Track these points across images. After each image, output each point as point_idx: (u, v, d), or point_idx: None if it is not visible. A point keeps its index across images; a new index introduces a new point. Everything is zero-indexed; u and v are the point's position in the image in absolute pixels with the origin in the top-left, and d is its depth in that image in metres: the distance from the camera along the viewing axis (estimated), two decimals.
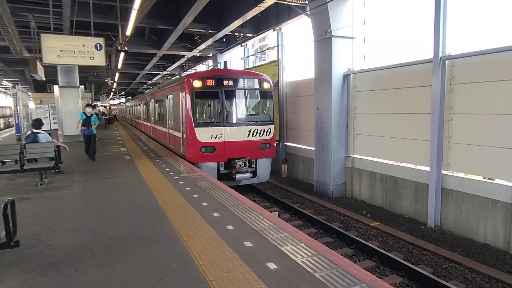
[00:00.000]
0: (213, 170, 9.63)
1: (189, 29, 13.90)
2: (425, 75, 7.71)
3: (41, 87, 26.11)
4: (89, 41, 10.97)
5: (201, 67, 23.74)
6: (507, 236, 6.29)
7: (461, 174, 7.35)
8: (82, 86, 16.61)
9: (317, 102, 10.57)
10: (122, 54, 15.39)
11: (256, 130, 9.99)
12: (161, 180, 7.21)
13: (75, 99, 15.35)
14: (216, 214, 4.90)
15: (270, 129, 10.24)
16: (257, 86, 10.25)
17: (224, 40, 17.74)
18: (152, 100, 16.86)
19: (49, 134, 8.26)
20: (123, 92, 52.50)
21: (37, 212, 5.24)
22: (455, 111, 7.20)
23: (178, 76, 22.93)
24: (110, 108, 43.95)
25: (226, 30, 13.95)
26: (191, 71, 22.16)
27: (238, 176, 9.71)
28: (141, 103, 22.25)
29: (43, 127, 8.47)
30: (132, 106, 30.61)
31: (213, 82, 9.68)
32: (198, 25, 13.91)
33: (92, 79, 27.58)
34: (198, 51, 17.37)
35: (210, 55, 19.95)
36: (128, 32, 11.14)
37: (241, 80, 10.10)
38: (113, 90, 44.55)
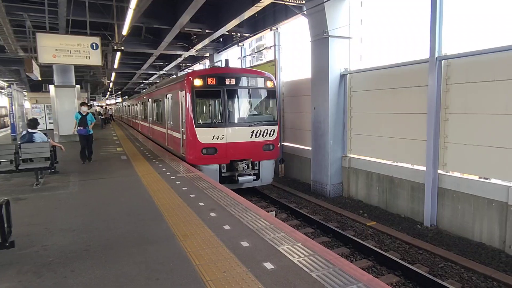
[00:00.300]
0: (215, 172, 9.27)
1: (186, 29, 13.87)
2: (422, 75, 7.74)
3: (37, 87, 25.94)
4: (85, 40, 10.90)
5: (198, 67, 23.70)
6: (503, 235, 6.33)
7: (457, 174, 7.39)
8: (78, 86, 16.55)
9: (314, 102, 10.58)
10: (118, 54, 15.36)
11: (259, 131, 9.62)
12: (157, 180, 7.19)
13: (71, 98, 15.28)
14: (212, 214, 4.89)
15: (274, 130, 9.92)
16: (260, 84, 9.87)
17: (221, 39, 17.72)
18: (150, 99, 16.55)
19: (45, 134, 8.22)
20: (119, 92, 52.33)
21: (32, 213, 5.21)
22: (451, 111, 7.23)
23: (175, 76, 22.85)
24: (106, 107, 43.77)
25: (223, 30, 13.93)
26: (189, 71, 22.10)
27: (241, 179, 9.39)
28: (138, 102, 21.92)
29: (38, 127, 8.39)
30: (129, 106, 30.28)
31: (214, 81, 9.31)
32: (195, 25, 13.88)
33: (88, 79, 27.47)
34: (195, 50, 17.34)
35: (207, 54, 19.92)
36: (125, 31, 11.09)
37: (243, 78, 9.72)
38: (109, 89, 44.38)
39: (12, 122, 18.21)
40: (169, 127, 12.07)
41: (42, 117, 22.93)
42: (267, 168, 10.02)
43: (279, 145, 10.17)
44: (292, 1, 10.44)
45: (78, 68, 18.85)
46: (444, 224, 7.42)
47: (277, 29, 13.45)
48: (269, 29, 13.58)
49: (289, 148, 13.26)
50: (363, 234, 7.38)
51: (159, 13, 13.25)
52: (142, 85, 37.29)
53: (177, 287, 2.98)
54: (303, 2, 10.41)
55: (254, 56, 25.01)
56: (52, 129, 16.88)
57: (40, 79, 14.67)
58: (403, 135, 8.36)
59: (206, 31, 14.49)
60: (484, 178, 6.83)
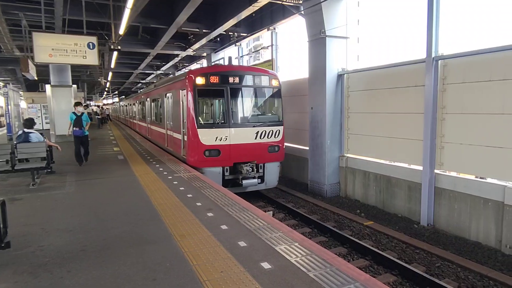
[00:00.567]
0: (218, 175, 8.85)
1: (183, 28, 13.84)
2: (418, 75, 7.76)
3: (33, 86, 25.84)
4: (82, 40, 10.86)
5: (195, 67, 23.67)
6: (499, 235, 6.36)
7: (453, 173, 7.42)
8: (75, 86, 16.46)
9: (311, 101, 10.59)
10: (115, 53, 15.29)
11: (264, 132, 9.18)
12: (155, 180, 7.17)
13: (67, 98, 15.19)
14: (210, 214, 4.88)
15: (279, 130, 9.47)
16: (265, 83, 9.42)
17: (218, 39, 17.71)
18: (148, 98, 16.10)
19: (41, 133, 8.16)
20: (116, 92, 52.16)
21: (28, 213, 5.18)
22: (448, 111, 7.26)
23: (172, 76, 22.79)
24: (102, 107, 43.60)
25: (220, 30, 13.92)
26: (186, 70, 22.04)
27: (245, 182, 8.92)
28: (136, 102, 21.44)
29: (35, 127, 8.32)
30: (126, 106, 29.83)
31: (217, 79, 8.86)
32: (192, 24, 13.86)
33: (85, 78, 27.37)
34: (192, 50, 17.31)
35: (204, 54, 19.91)
36: (121, 31, 11.06)
37: (248, 76, 9.26)
38: (106, 89, 44.23)
39: (8, 122, 18.12)
40: (169, 128, 11.67)
41: (39, 117, 22.84)
42: (272, 171, 9.60)
43: (283, 146, 9.79)
44: (290, 1, 10.44)
45: (75, 68, 18.79)
46: (440, 224, 7.45)
47: (274, 29, 13.48)
48: (266, 29, 13.59)
49: (287, 148, 13.19)
50: (360, 233, 7.40)
51: (156, 12, 13.22)
52: (139, 84, 37.18)
53: (174, 287, 2.97)
54: (300, 2, 10.41)
55: (251, 56, 25.03)
56: (49, 129, 16.79)
57: (36, 78, 14.64)
58: (400, 135, 8.38)
59: (203, 30, 14.48)
60: (481, 178, 6.87)
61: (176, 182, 6.95)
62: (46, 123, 21.42)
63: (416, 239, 6.91)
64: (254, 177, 9.09)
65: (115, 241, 3.98)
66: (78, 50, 10.77)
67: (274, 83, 9.55)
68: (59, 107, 15.05)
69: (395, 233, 7.22)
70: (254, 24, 14.57)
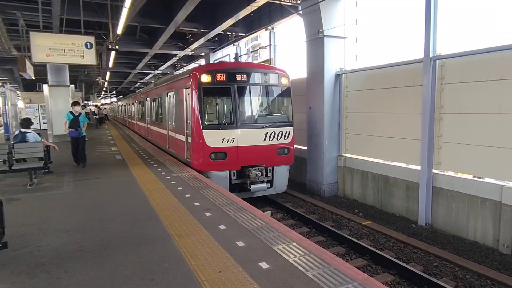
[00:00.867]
0: (224, 180, 8.33)
1: (181, 28, 13.84)
2: (416, 75, 7.78)
3: (31, 86, 25.72)
4: (79, 39, 10.81)
5: (193, 66, 23.63)
6: (496, 234, 6.39)
7: (451, 173, 7.44)
8: (72, 85, 16.42)
9: (310, 101, 10.60)
10: (113, 53, 15.27)
11: (273, 133, 8.66)
12: (153, 180, 7.16)
13: (65, 98, 15.13)
14: (208, 214, 4.88)
15: (289, 132, 8.92)
16: (274, 81, 8.89)
17: (217, 39, 17.70)
18: (148, 98, 15.59)
19: (38, 133, 8.14)
20: (114, 92, 52.05)
21: (26, 213, 5.16)
22: (446, 111, 7.28)
23: (170, 75, 22.74)
24: (100, 107, 43.48)
25: (219, 29, 13.92)
26: (184, 70, 22.00)
27: (253, 187, 8.42)
28: (135, 101, 20.94)
29: (32, 127, 8.27)
30: (125, 105, 29.35)
31: (224, 77, 8.30)
32: (190, 24, 13.85)
33: (82, 78, 27.31)
34: (190, 50, 17.29)
35: (202, 54, 19.89)
36: (119, 30, 11.02)
37: (256, 74, 8.74)
38: (104, 89, 44.12)
39: (5, 122, 18.04)
40: (171, 129, 11.05)
41: (36, 116, 22.71)
42: (281, 175, 9.09)
43: (293, 148, 9.27)
44: (288, 1, 10.45)
45: (72, 68, 18.71)
46: (438, 223, 7.47)
47: (272, 28, 13.48)
48: (264, 29, 13.59)
49: None
50: (359, 233, 7.41)
51: (154, 12, 13.20)
52: (137, 84, 37.12)
53: (173, 287, 2.97)
54: (299, 1, 10.42)
55: (249, 56, 25.03)
56: (46, 129, 16.73)
57: (33, 78, 14.56)
58: (398, 135, 8.40)
59: (202, 30, 14.48)
60: (478, 178, 6.89)
61: (174, 182, 6.94)
62: (44, 123, 21.33)
63: (414, 239, 6.93)
64: (263, 182, 8.63)
65: (113, 241, 3.97)
66: (76, 49, 10.72)
67: (284, 81, 9.03)
68: (56, 107, 15.00)
69: (393, 233, 7.23)
70: (252, 23, 14.57)
